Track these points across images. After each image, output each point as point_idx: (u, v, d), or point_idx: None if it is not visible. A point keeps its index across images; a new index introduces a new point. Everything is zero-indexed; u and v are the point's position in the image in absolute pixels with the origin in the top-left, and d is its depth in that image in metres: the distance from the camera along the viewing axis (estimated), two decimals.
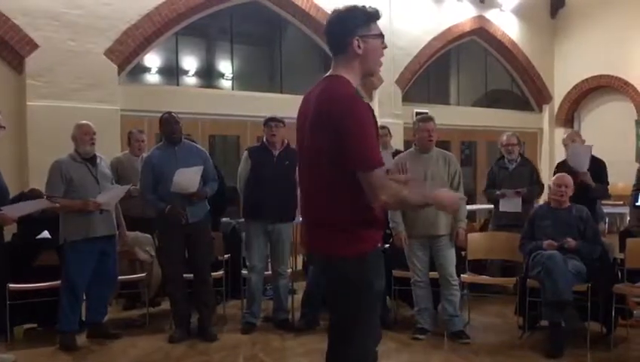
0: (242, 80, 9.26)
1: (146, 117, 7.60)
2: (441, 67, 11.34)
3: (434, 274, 4.91)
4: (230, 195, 6.37)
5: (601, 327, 4.83)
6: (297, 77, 9.62)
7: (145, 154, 5.75)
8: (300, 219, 5.79)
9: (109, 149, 6.10)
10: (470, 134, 11.47)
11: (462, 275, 5.05)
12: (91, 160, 4.89)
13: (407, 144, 8.29)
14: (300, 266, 6.83)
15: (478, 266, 5.60)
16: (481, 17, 11.13)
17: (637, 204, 5.82)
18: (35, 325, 5.27)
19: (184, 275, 5.02)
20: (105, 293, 5.11)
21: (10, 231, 5.29)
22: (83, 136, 4.85)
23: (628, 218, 7.86)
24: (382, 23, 2.42)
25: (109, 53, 7.43)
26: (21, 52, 6.90)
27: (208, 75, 9.07)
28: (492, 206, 6.50)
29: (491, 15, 11.29)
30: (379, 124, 2.53)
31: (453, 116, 10.78)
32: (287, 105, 7.58)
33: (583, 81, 11.84)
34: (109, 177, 5.07)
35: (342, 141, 2.19)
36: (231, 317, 5.58)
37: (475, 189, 10.70)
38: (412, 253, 4.89)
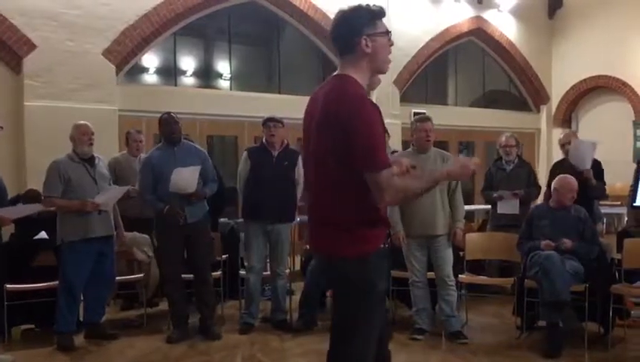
0: (240, 80, 9.26)
1: (144, 117, 7.60)
2: (438, 67, 11.35)
3: (432, 275, 4.92)
4: (228, 195, 6.38)
5: (599, 327, 4.83)
6: (295, 77, 9.64)
7: (143, 155, 5.74)
8: (298, 219, 5.85)
9: (107, 149, 6.10)
10: (468, 135, 11.49)
11: (460, 275, 5.05)
12: (89, 160, 4.88)
13: (405, 144, 8.30)
14: (297, 267, 6.82)
15: (476, 266, 5.60)
16: (478, 18, 11.15)
17: (634, 204, 5.80)
18: (32, 326, 5.26)
19: (182, 275, 5.02)
20: (102, 294, 5.10)
21: (7, 231, 5.30)
22: (81, 136, 4.84)
23: (626, 218, 7.89)
24: None
25: (107, 53, 7.42)
26: (19, 52, 6.89)
27: (206, 75, 9.07)
28: (490, 206, 6.51)
29: (489, 16, 11.30)
30: None
31: (451, 116, 10.79)
32: (285, 106, 7.61)
33: (580, 82, 11.86)
34: (107, 178, 5.06)
35: (349, 141, 2.19)
36: (229, 318, 5.58)
37: (473, 190, 10.70)
38: (410, 253, 4.89)
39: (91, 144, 4.88)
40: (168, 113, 5.06)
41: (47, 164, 4.83)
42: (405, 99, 10.26)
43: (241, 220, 5.77)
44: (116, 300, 6.04)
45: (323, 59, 9.77)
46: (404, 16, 9.85)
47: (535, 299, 4.65)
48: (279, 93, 9.23)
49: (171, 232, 4.87)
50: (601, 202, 6.93)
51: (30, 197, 5.32)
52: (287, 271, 5.49)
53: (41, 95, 6.96)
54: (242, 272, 5.55)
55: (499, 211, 6.09)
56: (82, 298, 4.96)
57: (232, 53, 9.10)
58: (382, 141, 2.26)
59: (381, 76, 2.50)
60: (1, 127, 4.53)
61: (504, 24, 11.51)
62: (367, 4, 2.37)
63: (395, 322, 5.34)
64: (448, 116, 10.54)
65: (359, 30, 2.31)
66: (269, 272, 5.46)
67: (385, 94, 9.62)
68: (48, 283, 4.90)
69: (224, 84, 9.20)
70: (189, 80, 8.86)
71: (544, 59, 12.16)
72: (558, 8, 12.19)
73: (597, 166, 5.78)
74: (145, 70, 8.41)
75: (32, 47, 6.93)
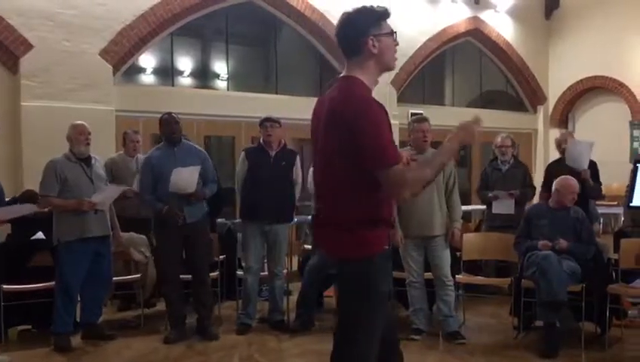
0: (237, 80, 9.26)
1: (141, 117, 7.59)
2: (436, 68, 11.36)
3: (429, 275, 4.92)
4: (226, 196, 6.37)
5: (596, 327, 4.84)
6: (292, 77, 9.64)
7: (140, 155, 5.73)
8: (296, 219, 5.84)
9: (103, 150, 6.10)
10: None
11: (457, 276, 5.05)
12: (86, 160, 4.88)
13: (403, 145, 8.30)
14: (295, 267, 6.82)
15: (473, 267, 5.60)
16: (475, 18, 11.16)
17: (631, 204, 5.82)
18: (29, 326, 5.24)
19: (180, 276, 5.01)
20: (99, 294, 5.10)
21: (4, 231, 5.29)
22: (78, 136, 4.83)
23: (622, 218, 7.90)
24: None
25: (104, 53, 7.42)
26: (16, 52, 6.88)
27: (203, 75, 9.07)
28: (485, 207, 6.52)
29: (486, 16, 11.32)
30: None
31: (448, 117, 10.71)
32: (282, 106, 7.62)
33: (577, 82, 11.88)
34: (104, 178, 5.05)
35: (356, 141, 2.20)
36: (226, 318, 5.57)
37: (469, 190, 10.72)
38: (407, 253, 4.89)
39: (88, 144, 4.88)
40: (169, 113, 5.05)
41: (44, 164, 4.82)
42: (402, 99, 10.26)
43: (238, 221, 5.77)
44: (113, 301, 6.03)
45: (320, 59, 9.78)
46: (401, 17, 9.84)
47: (532, 299, 4.66)
48: (276, 93, 9.23)
49: (170, 232, 4.86)
50: (598, 202, 6.94)
51: (27, 197, 5.31)
52: (285, 271, 5.49)
53: (38, 95, 6.94)
54: (240, 273, 5.54)
55: (494, 211, 6.11)
56: (79, 298, 4.95)
57: (230, 54, 9.10)
58: (389, 138, 2.26)
59: None
60: None
61: (501, 25, 11.53)
62: (372, 5, 2.37)
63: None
64: (445, 116, 10.46)
65: (365, 31, 2.32)
66: (266, 273, 5.46)
67: (382, 95, 9.57)
68: (45, 284, 4.89)
69: (221, 84, 9.20)
70: (186, 80, 8.85)
71: (541, 60, 12.17)
72: (555, 9, 12.21)
73: (592, 166, 5.80)
74: (142, 70, 8.40)
75: (28, 47, 6.91)
